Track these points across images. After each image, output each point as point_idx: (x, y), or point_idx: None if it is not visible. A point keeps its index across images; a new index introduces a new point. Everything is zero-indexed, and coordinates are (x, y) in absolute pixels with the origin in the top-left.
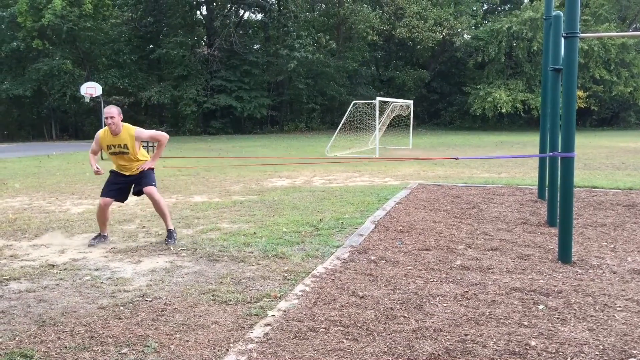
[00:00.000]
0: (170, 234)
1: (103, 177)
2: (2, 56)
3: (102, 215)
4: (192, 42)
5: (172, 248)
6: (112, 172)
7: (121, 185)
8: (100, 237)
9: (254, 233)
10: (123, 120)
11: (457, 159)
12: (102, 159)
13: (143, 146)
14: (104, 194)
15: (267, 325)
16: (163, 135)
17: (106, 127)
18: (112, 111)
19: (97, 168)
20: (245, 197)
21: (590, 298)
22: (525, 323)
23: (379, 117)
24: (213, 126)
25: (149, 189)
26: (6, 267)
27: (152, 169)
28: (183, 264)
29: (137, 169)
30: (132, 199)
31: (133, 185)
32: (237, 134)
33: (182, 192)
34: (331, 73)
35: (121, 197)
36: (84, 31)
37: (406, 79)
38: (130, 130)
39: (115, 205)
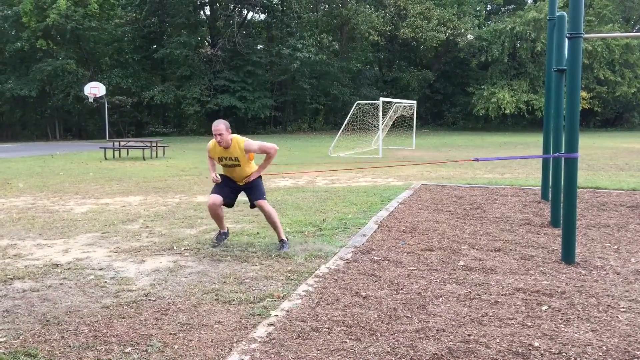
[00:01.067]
0: (282, 244)
1: (109, 177)
2: (6, 56)
3: (215, 214)
4: (195, 42)
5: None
6: (222, 175)
7: (231, 189)
8: (221, 235)
9: (257, 233)
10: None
11: (477, 160)
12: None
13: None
14: (214, 191)
15: (270, 325)
16: (273, 147)
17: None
18: (219, 128)
19: (215, 176)
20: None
21: (594, 299)
22: (529, 324)
23: (382, 118)
24: None
25: (260, 202)
26: (10, 267)
27: (260, 179)
28: (186, 264)
29: (244, 180)
30: (135, 198)
31: (243, 193)
32: (240, 134)
33: (185, 192)
34: (334, 73)
35: (230, 201)
36: (88, 31)
37: (410, 79)
38: (240, 143)
39: (118, 204)
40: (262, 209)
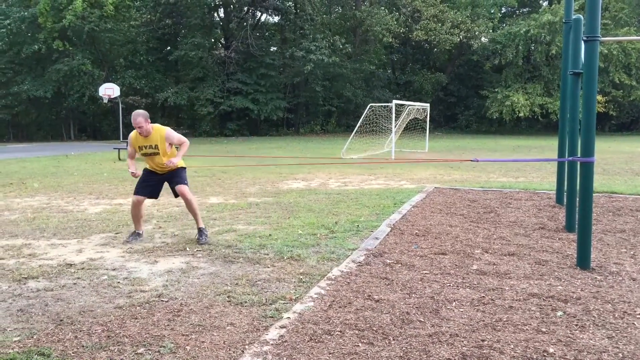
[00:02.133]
0: (201, 232)
1: (122, 177)
2: (22, 57)
3: (135, 213)
4: (209, 44)
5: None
6: (145, 170)
7: (154, 183)
8: (135, 234)
9: (270, 235)
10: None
11: (477, 161)
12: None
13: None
14: (137, 191)
15: (282, 327)
16: (187, 141)
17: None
18: (139, 121)
19: (134, 171)
20: (260, 199)
21: (610, 305)
22: (543, 329)
23: (395, 120)
24: (229, 128)
25: (180, 187)
26: (25, 266)
27: (184, 168)
28: (199, 265)
29: (165, 165)
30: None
31: (166, 183)
32: (253, 136)
33: (198, 193)
34: (347, 75)
35: (154, 194)
36: (103, 32)
37: (423, 82)
38: (161, 132)
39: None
40: (182, 195)
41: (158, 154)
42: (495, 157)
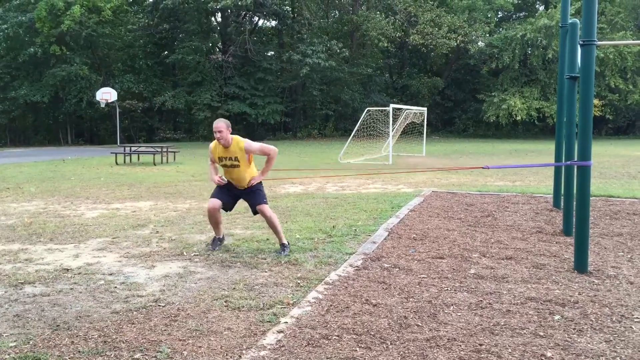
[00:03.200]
0: (283, 247)
1: (120, 182)
2: (19, 62)
3: (213, 219)
4: (206, 49)
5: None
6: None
7: (232, 194)
8: (217, 240)
9: (267, 239)
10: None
11: (487, 167)
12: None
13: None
14: (214, 195)
15: (279, 332)
16: (273, 149)
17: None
18: (219, 126)
19: (220, 178)
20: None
21: (607, 309)
22: (541, 333)
23: (393, 124)
24: None
25: (261, 207)
26: (21, 271)
27: (261, 185)
28: (196, 270)
29: (247, 184)
30: (145, 203)
31: (243, 200)
32: (250, 139)
33: (195, 197)
34: (345, 79)
35: (229, 205)
36: (101, 37)
37: (419, 86)
38: (239, 143)
39: (129, 210)
40: (263, 214)
41: (238, 166)
42: (495, 164)
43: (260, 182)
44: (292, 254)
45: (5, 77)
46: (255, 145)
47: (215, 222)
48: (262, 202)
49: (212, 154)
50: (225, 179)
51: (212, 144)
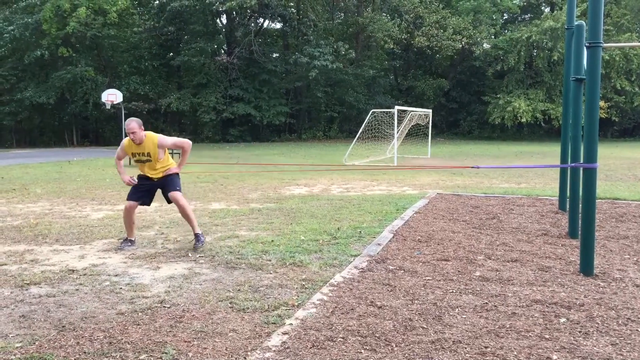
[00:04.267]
0: (197, 238)
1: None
2: (25, 63)
3: (128, 219)
4: (212, 50)
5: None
6: (139, 176)
7: (146, 189)
8: (127, 241)
9: (272, 241)
10: (146, 129)
11: (477, 167)
12: (129, 164)
13: (170, 154)
14: (129, 197)
15: (284, 334)
16: (186, 142)
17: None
18: (132, 126)
19: (130, 178)
20: (263, 205)
21: (613, 312)
22: (547, 336)
23: (398, 126)
24: (231, 134)
25: (174, 194)
26: (27, 272)
27: (177, 174)
28: (201, 271)
29: (163, 174)
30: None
31: (159, 191)
32: (255, 141)
33: (200, 199)
34: (350, 81)
35: (146, 201)
36: (107, 39)
37: (425, 88)
38: (153, 139)
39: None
40: (176, 202)
41: (150, 161)
42: (498, 164)
43: (177, 173)
44: (297, 255)
45: (11, 79)
46: (169, 140)
47: (129, 222)
48: (176, 189)
49: (124, 151)
50: (135, 179)
51: (126, 141)
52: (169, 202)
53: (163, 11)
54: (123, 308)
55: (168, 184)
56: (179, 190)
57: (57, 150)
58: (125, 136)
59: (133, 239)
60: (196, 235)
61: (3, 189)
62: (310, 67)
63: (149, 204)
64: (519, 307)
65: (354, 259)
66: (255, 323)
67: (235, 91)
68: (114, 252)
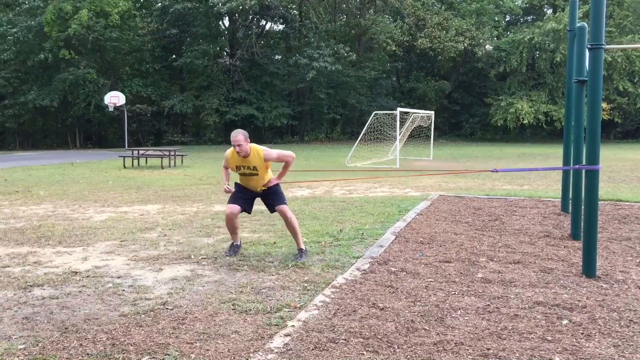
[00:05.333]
0: (300, 253)
1: (128, 185)
2: (28, 66)
3: (231, 225)
4: (214, 52)
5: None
6: (237, 184)
7: (249, 197)
8: (233, 247)
9: (274, 243)
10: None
11: (496, 171)
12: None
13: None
14: (232, 201)
15: (287, 335)
16: (290, 155)
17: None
18: (238, 139)
19: (228, 187)
20: (265, 207)
21: (616, 313)
22: (549, 338)
23: (400, 128)
24: None
25: (281, 207)
26: (30, 274)
27: (279, 186)
28: (204, 273)
29: (263, 186)
30: (153, 206)
31: (261, 200)
32: (258, 143)
33: (203, 201)
34: (352, 83)
35: (248, 208)
36: (109, 41)
37: (426, 89)
38: (259, 152)
39: (137, 213)
40: (283, 215)
41: (257, 174)
42: (506, 167)
43: (279, 184)
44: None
45: (14, 82)
46: (274, 153)
47: (232, 227)
48: (283, 203)
49: (228, 162)
50: (231, 188)
51: (229, 152)
52: (273, 211)
53: (165, 13)
54: (126, 310)
55: (273, 197)
56: (285, 203)
57: (60, 153)
58: (130, 137)
59: (238, 242)
60: (300, 250)
61: (6, 191)
62: (310, 68)
63: (249, 212)
64: (521, 308)
65: (356, 261)
66: (258, 325)
67: (237, 93)
68: (116, 254)
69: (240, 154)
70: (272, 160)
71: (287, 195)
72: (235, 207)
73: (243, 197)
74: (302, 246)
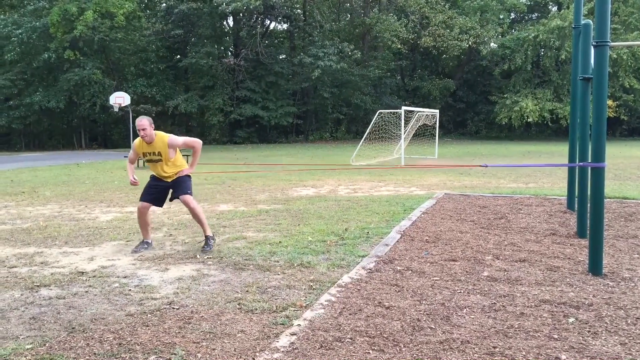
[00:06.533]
0: (207, 240)
1: (143, 186)
2: (33, 67)
3: (142, 220)
4: (218, 52)
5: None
6: (151, 177)
7: (159, 190)
8: (143, 244)
9: (280, 242)
10: (156, 129)
11: (485, 166)
12: (143, 165)
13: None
14: (142, 198)
15: (292, 334)
16: (196, 141)
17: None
18: (143, 123)
19: (134, 179)
20: (270, 206)
21: (622, 311)
22: (555, 336)
23: (405, 127)
24: (239, 135)
25: (184, 197)
26: (37, 274)
27: (189, 176)
28: (209, 272)
29: (175, 175)
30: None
31: (170, 191)
32: (262, 143)
33: (208, 200)
34: (356, 82)
35: (159, 202)
36: (114, 42)
37: (431, 88)
38: (163, 138)
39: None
40: (186, 205)
41: (161, 160)
42: (507, 163)
43: (189, 175)
44: (305, 256)
45: (20, 84)
46: (180, 139)
47: (143, 224)
48: (187, 193)
49: (135, 151)
50: (137, 180)
51: (137, 141)
52: (172, 199)
53: (170, 14)
54: (132, 309)
55: (179, 186)
56: (190, 193)
57: (65, 153)
58: (136, 137)
59: (149, 240)
60: (206, 237)
61: (12, 192)
62: (314, 67)
63: (161, 205)
64: (528, 307)
65: (361, 260)
66: (264, 324)
67: (242, 93)
68: (123, 254)
69: (144, 139)
70: (178, 147)
71: (292, 194)
72: (144, 205)
73: (154, 190)
74: (209, 233)
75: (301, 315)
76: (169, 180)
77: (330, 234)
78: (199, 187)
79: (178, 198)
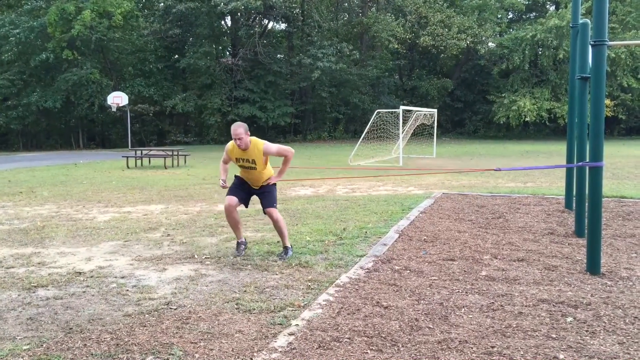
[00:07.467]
0: (286, 250)
1: (131, 185)
2: (31, 67)
3: (231, 219)
4: (217, 52)
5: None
6: (237, 177)
7: (246, 191)
8: (240, 245)
9: (278, 242)
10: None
11: (498, 170)
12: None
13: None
14: (230, 192)
15: (290, 334)
16: (289, 150)
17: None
18: (239, 132)
19: (224, 182)
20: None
21: (620, 310)
22: (554, 335)
23: (403, 126)
24: None
25: (269, 210)
26: (34, 274)
27: (275, 185)
28: (207, 273)
29: (265, 182)
30: (156, 206)
31: (256, 197)
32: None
33: (206, 200)
34: (354, 82)
35: (245, 202)
36: (112, 42)
37: (429, 87)
38: (258, 145)
39: (140, 213)
40: (271, 217)
41: (255, 168)
42: (507, 163)
43: (275, 184)
44: (303, 256)
45: (18, 84)
46: (273, 147)
47: (233, 222)
48: (272, 206)
49: (228, 155)
50: (227, 184)
51: (230, 145)
52: (264, 212)
53: (168, 14)
54: (130, 310)
55: (265, 198)
56: (275, 206)
57: (63, 153)
58: (133, 137)
59: (243, 239)
60: (285, 248)
61: (10, 192)
62: (314, 68)
63: (246, 206)
64: (526, 306)
65: (359, 260)
66: (262, 324)
67: (240, 92)
68: (120, 254)
69: (240, 147)
70: (271, 155)
71: (290, 194)
72: (233, 199)
73: (241, 190)
74: (288, 244)
75: (299, 315)
76: (256, 187)
77: (328, 233)
78: (197, 187)
79: (263, 210)
